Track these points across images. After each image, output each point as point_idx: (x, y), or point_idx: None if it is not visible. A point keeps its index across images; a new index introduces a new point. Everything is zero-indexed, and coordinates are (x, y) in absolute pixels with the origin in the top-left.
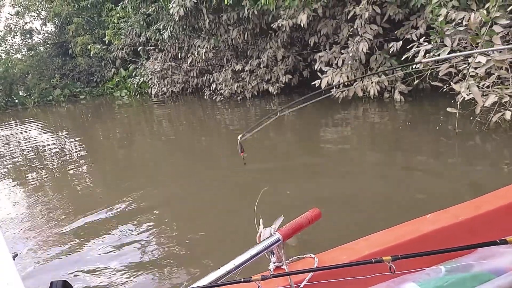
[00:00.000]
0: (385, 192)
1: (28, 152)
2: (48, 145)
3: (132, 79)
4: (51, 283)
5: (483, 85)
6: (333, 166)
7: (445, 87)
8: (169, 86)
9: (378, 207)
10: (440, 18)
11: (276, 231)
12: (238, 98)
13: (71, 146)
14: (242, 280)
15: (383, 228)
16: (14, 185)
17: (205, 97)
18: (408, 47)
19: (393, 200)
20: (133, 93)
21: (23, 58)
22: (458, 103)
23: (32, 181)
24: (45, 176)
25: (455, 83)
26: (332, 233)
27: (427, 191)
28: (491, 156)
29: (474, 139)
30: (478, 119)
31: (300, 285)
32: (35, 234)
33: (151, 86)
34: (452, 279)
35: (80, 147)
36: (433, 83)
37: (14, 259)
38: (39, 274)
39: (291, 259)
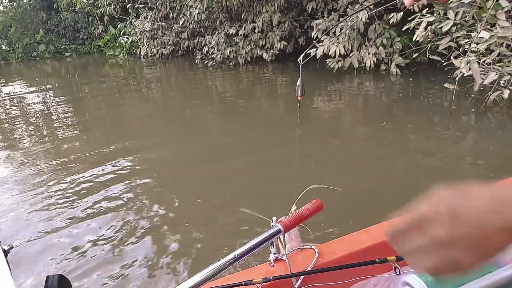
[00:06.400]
0: (374, 167)
1: (12, 110)
2: (34, 103)
3: (122, 38)
4: (47, 277)
5: (484, 61)
6: (324, 138)
7: (443, 61)
8: (159, 48)
9: (367, 183)
10: None
11: (277, 222)
12: (231, 64)
13: (58, 106)
14: (243, 283)
15: (379, 214)
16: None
17: (196, 61)
18: (409, 18)
19: (383, 175)
20: (125, 53)
21: (4, 9)
22: (457, 79)
23: (18, 144)
24: (32, 139)
25: (455, 58)
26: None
27: (418, 167)
28: (485, 135)
29: (469, 116)
30: (474, 96)
31: (300, 278)
32: (27, 220)
33: (140, 46)
34: None
35: (67, 107)
36: (431, 57)
37: (9, 252)
38: (33, 267)
39: (292, 250)
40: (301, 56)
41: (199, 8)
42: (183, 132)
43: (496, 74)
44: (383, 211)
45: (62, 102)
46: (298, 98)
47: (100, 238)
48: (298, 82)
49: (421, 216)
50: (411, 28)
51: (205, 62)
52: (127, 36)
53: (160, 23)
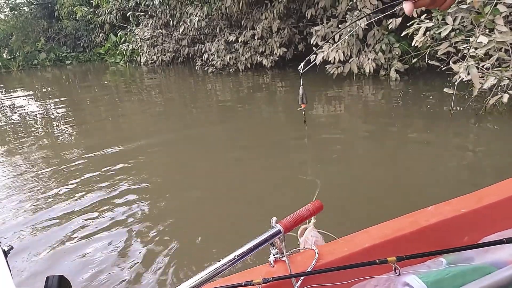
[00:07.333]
0: (374, 169)
1: (13, 120)
2: (35, 113)
3: (122, 45)
4: (47, 278)
5: (483, 66)
6: (322, 144)
7: (442, 66)
8: (159, 55)
9: (368, 184)
10: None
11: (277, 223)
12: (231, 70)
13: (58, 113)
14: (243, 283)
15: (380, 216)
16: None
17: (196, 68)
18: (408, 24)
19: (383, 177)
20: (126, 60)
21: (6, 18)
22: (456, 84)
23: (17, 147)
24: (31, 142)
25: (454, 63)
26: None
27: (417, 170)
28: (485, 138)
29: (469, 121)
30: (473, 101)
31: (300, 279)
32: (27, 220)
33: (141, 53)
34: (453, 271)
35: (68, 115)
36: (430, 62)
37: (9, 252)
38: (33, 268)
39: (292, 251)
40: (302, 64)
41: (199, 15)
42: (181, 133)
43: (495, 79)
44: (383, 212)
45: (62, 105)
46: (302, 106)
47: (100, 239)
48: (300, 91)
49: None
50: (409, 34)
51: (205, 68)
52: (128, 43)
53: (160, 30)
